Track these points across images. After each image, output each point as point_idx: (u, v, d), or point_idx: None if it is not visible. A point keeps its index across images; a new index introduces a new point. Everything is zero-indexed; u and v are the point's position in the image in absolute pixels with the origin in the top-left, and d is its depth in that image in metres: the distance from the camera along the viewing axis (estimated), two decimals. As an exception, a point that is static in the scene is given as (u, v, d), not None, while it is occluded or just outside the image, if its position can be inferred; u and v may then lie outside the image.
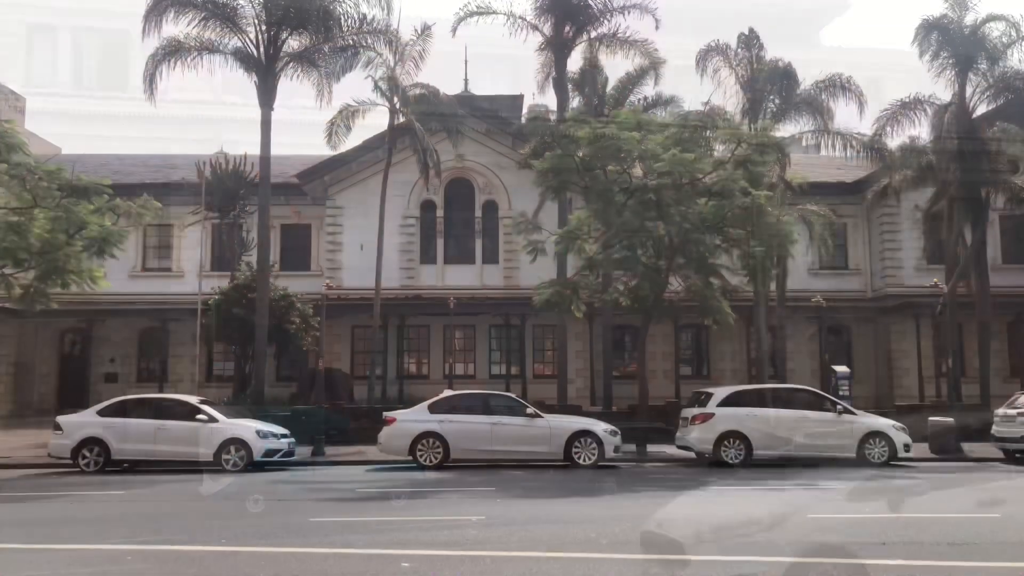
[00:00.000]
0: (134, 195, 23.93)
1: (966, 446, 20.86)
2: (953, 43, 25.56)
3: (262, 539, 8.75)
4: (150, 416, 17.55)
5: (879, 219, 31.86)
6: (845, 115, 27.28)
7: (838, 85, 26.11)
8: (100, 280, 22.29)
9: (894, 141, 26.70)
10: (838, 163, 34.14)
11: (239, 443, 17.12)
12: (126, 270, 31.03)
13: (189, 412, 17.59)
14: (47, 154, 33.99)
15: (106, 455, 17.16)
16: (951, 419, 20.45)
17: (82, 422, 17.60)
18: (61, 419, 17.93)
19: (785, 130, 26.44)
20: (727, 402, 18.20)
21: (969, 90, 26.13)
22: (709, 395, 18.69)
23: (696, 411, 18.33)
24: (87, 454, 17.13)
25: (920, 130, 26.61)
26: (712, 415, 17.93)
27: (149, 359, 32.42)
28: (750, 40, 26.59)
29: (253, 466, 17.17)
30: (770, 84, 26.04)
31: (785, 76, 26.04)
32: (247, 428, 17.50)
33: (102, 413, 17.71)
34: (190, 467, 17.25)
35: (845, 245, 32.59)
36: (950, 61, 25.84)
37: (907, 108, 26.23)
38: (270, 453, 17.34)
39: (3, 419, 28.34)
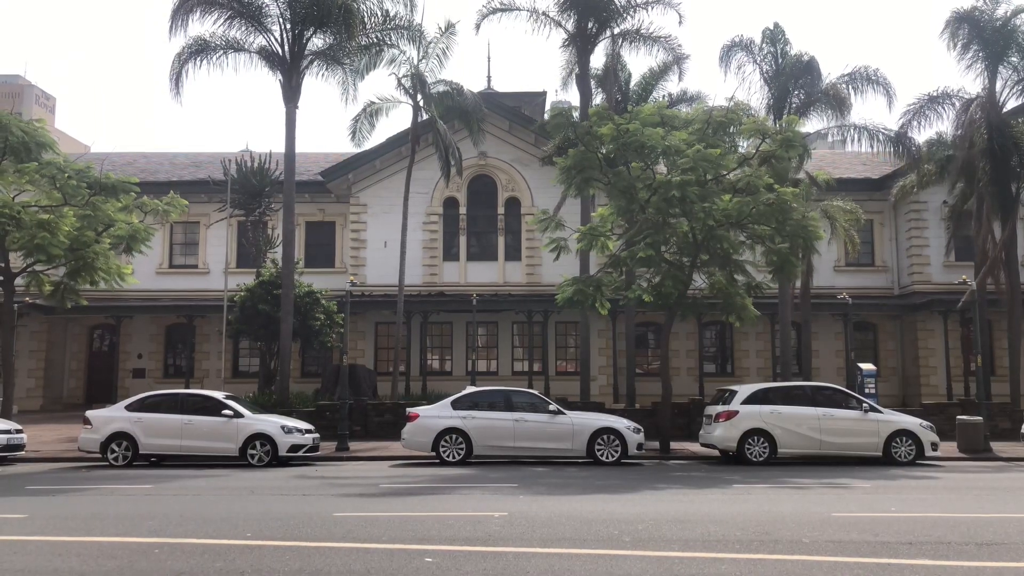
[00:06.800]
0: (161, 193, 24.30)
1: (995, 445, 20.59)
2: (983, 36, 25.18)
3: (286, 533, 8.83)
4: (177, 411, 17.78)
5: (906, 215, 31.50)
6: (871, 110, 27.04)
7: (864, 77, 25.79)
8: (128, 277, 22.65)
9: (921, 136, 26.37)
10: (864, 159, 33.82)
11: (264, 438, 17.31)
12: (153, 267, 31.51)
13: (215, 407, 17.80)
14: (76, 152, 34.48)
15: (134, 449, 17.43)
16: (980, 418, 20.19)
17: (111, 417, 17.89)
18: (90, 414, 18.24)
19: (810, 125, 26.22)
20: (751, 400, 18.09)
21: (999, 83, 25.74)
22: (733, 392, 18.59)
23: (720, 408, 18.25)
24: (116, 448, 17.41)
25: (948, 125, 26.26)
26: (736, 412, 17.84)
27: (176, 355, 32.87)
28: (775, 35, 26.36)
29: (278, 461, 17.35)
30: (794, 79, 25.81)
31: (808, 70, 25.79)
32: (273, 423, 17.68)
33: (130, 408, 17.98)
34: (216, 462, 17.47)
35: (871, 241, 32.28)
36: (980, 54, 25.44)
37: (935, 102, 25.87)
38: (295, 448, 17.51)
39: (34, 413, 28.83)
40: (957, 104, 25.62)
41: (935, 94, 25.93)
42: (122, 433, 17.46)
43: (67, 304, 22.43)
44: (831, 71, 26.81)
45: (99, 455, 17.53)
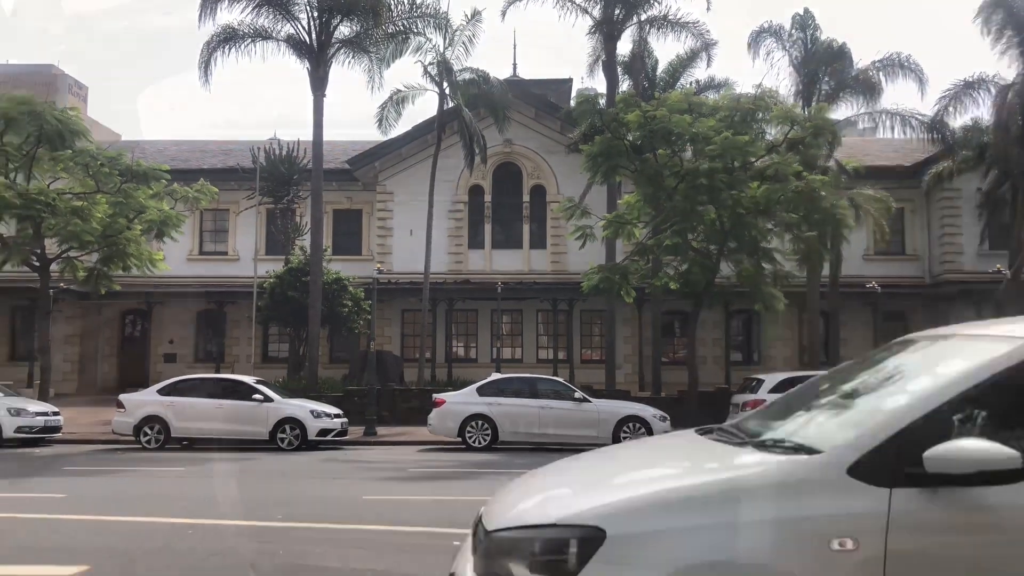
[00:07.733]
0: (191, 180, 24.58)
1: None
2: (1018, 21, 24.67)
3: (317, 516, 8.96)
4: (208, 395, 18.05)
5: (938, 203, 30.99)
6: (901, 96, 26.71)
7: (897, 64, 25.42)
8: (159, 263, 22.99)
9: (957, 121, 25.94)
10: (895, 146, 33.29)
11: (294, 422, 17.52)
12: (184, 253, 31.85)
13: (246, 392, 18.02)
14: (108, 140, 34.93)
15: (166, 432, 17.71)
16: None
17: (143, 400, 18.19)
18: (123, 397, 18.55)
19: (840, 112, 25.90)
20: (778, 389, 17.97)
21: (1035, 69, 25.20)
22: (760, 381, 18.51)
23: (747, 397, 18.18)
24: (148, 431, 17.69)
25: (984, 110, 25.80)
26: (763, 402, 17.74)
27: (206, 340, 33.25)
28: (805, 20, 26.04)
29: (307, 445, 17.55)
30: (824, 65, 25.51)
31: (839, 56, 25.48)
32: (302, 408, 17.90)
33: (162, 392, 18.26)
34: (246, 445, 17.71)
35: (902, 230, 31.79)
36: (1014, 40, 24.94)
37: (970, 87, 25.42)
38: (324, 432, 17.70)
39: (69, 396, 29.39)
40: (993, 90, 25.16)
41: (971, 79, 25.48)
42: (154, 416, 17.74)
43: (101, 289, 22.82)
44: (861, 57, 26.40)
45: (132, 438, 17.84)
